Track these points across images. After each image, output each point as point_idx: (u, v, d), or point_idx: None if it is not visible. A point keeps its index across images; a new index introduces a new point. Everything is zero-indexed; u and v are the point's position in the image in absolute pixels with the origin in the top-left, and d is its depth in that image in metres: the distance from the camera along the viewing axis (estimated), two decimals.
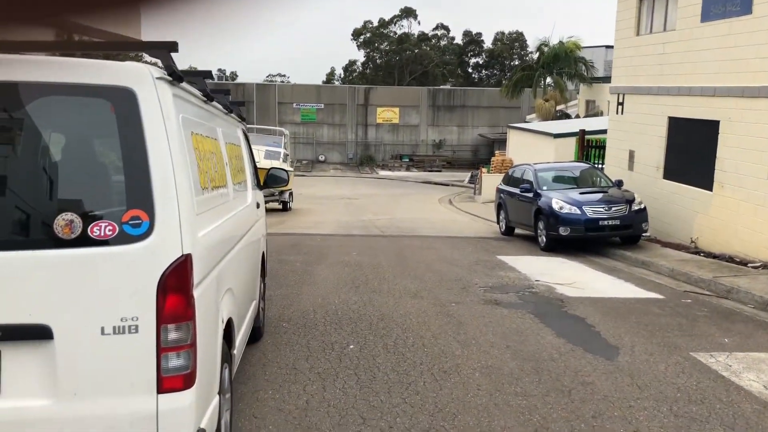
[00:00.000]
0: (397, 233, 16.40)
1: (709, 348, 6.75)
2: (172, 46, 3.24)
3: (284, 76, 72.90)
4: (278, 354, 6.28)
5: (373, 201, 27.16)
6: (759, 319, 8.08)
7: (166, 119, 3.09)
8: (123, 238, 2.98)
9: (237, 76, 72.01)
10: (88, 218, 2.97)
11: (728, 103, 12.42)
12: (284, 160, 23.17)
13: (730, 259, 11.73)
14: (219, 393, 3.74)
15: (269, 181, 7.13)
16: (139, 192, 2.99)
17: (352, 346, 6.56)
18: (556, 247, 13.33)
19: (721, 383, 5.71)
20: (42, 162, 3.07)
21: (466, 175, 38.93)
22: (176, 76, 3.38)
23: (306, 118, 51.34)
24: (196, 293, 3.20)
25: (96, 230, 2.96)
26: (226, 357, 4.09)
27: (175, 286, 3.03)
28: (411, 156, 51.02)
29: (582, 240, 13.26)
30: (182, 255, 3.06)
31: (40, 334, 2.95)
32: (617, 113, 17.25)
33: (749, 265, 11.16)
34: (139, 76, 3.09)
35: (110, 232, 2.97)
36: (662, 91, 14.85)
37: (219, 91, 5.11)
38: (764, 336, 7.30)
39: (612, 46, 18.76)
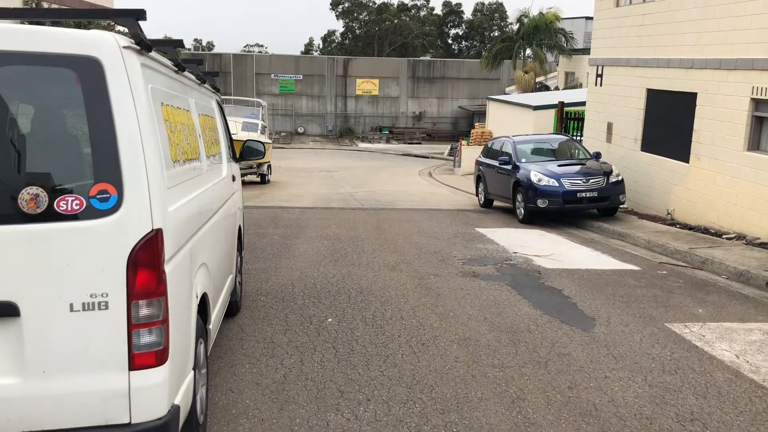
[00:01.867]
0: (377, 206, 16.37)
1: (684, 318, 6.84)
2: (140, 14, 3.13)
3: (262, 46, 71.99)
4: (256, 328, 6.25)
5: (352, 174, 27.04)
6: (732, 290, 8.19)
7: (133, 90, 2.99)
8: (91, 213, 2.90)
9: (213, 46, 71.00)
10: (54, 192, 2.88)
11: (706, 75, 12.46)
12: (262, 132, 22.90)
13: (706, 231, 11.87)
14: (194, 368, 3.70)
15: (245, 154, 7.02)
16: (106, 165, 2.90)
17: (330, 320, 6.55)
18: (534, 219, 13.40)
19: (694, 353, 5.79)
20: (4, 134, 2.96)
21: (445, 148, 38.92)
22: (144, 45, 3.27)
23: (284, 90, 50.82)
24: (168, 268, 3.14)
25: (62, 204, 2.88)
26: (201, 332, 4.04)
27: (146, 261, 2.97)
28: (391, 128, 50.86)
29: (560, 212, 13.33)
30: (152, 230, 2.99)
31: (6, 311, 2.87)
32: (596, 85, 17.26)
33: (724, 236, 11.30)
34: (105, 45, 2.98)
35: (77, 207, 2.89)
36: (641, 63, 14.86)
37: (191, 61, 4.99)
38: (737, 306, 7.41)
39: (592, 18, 18.69)
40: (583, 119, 19.18)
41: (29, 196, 2.85)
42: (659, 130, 14.36)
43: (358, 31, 66.03)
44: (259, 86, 49.88)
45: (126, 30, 3.22)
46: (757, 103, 11.27)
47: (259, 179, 21.70)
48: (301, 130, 51.13)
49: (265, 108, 27.50)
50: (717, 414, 4.58)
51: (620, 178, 13.47)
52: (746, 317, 6.96)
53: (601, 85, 16.98)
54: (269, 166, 22.34)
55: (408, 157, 37.55)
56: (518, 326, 6.47)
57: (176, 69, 4.17)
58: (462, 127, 48.95)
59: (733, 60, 11.63)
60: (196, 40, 68.91)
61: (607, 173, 13.31)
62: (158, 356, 3.05)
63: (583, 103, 19.33)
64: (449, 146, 37.67)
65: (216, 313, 4.82)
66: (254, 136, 19.97)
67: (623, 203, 13.73)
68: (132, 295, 2.95)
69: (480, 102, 46.79)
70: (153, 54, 3.50)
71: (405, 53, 60.20)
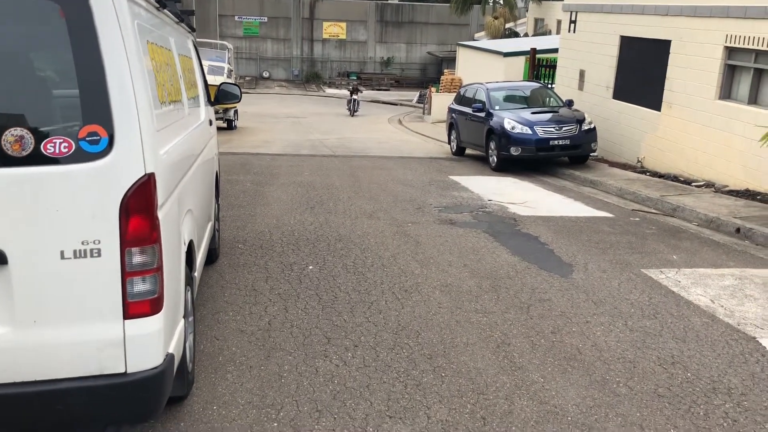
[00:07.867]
0: (348, 153, 16.20)
1: (659, 264, 6.96)
2: None
3: None
4: (236, 275, 6.18)
5: (321, 120, 26.69)
6: (704, 236, 8.36)
7: (121, 25, 2.81)
8: (80, 156, 2.75)
9: None
10: (40, 134, 2.72)
11: (680, 23, 12.44)
12: (228, 76, 22.31)
13: (675, 179, 12.05)
14: (183, 316, 3.63)
15: (220, 97, 6.79)
16: (95, 105, 2.74)
17: (311, 267, 6.50)
18: (507, 167, 13.42)
19: (671, 298, 5.91)
20: None
21: (414, 95, 38.54)
22: None
23: (249, 32, 49.47)
24: (160, 215, 3.03)
25: (50, 147, 2.72)
26: (188, 279, 3.96)
27: (139, 207, 2.85)
28: (358, 74, 50.06)
29: (532, 160, 13.37)
30: (145, 174, 2.86)
31: None
32: (569, 32, 17.13)
33: (693, 184, 11.49)
34: None
35: (66, 149, 2.74)
36: (615, 9, 14.76)
37: None
38: (709, 252, 7.57)
39: None
40: (554, 66, 19.09)
41: (14, 138, 2.69)
42: (631, 78, 14.38)
43: None
44: (223, 28, 48.47)
45: None
46: (730, 51, 11.32)
47: (225, 125, 21.24)
48: (266, 74, 50.06)
49: (231, 51, 26.76)
50: (696, 357, 4.70)
51: (592, 125, 13.52)
52: (718, 263, 7.12)
53: (574, 32, 16.86)
54: (236, 112, 21.86)
55: (376, 104, 37.12)
56: (498, 272, 6.52)
57: (158, 5, 3.96)
58: (431, 74, 48.43)
59: (708, 7, 11.61)
60: None
61: (580, 121, 13.34)
62: (153, 305, 2.96)
63: (553, 50, 19.20)
64: (418, 93, 37.29)
65: (200, 260, 4.73)
66: (221, 79, 19.46)
67: (595, 151, 13.81)
68: (125, 242, 2.84)
69: (449, 48, 46.28)
70: None
71: None
